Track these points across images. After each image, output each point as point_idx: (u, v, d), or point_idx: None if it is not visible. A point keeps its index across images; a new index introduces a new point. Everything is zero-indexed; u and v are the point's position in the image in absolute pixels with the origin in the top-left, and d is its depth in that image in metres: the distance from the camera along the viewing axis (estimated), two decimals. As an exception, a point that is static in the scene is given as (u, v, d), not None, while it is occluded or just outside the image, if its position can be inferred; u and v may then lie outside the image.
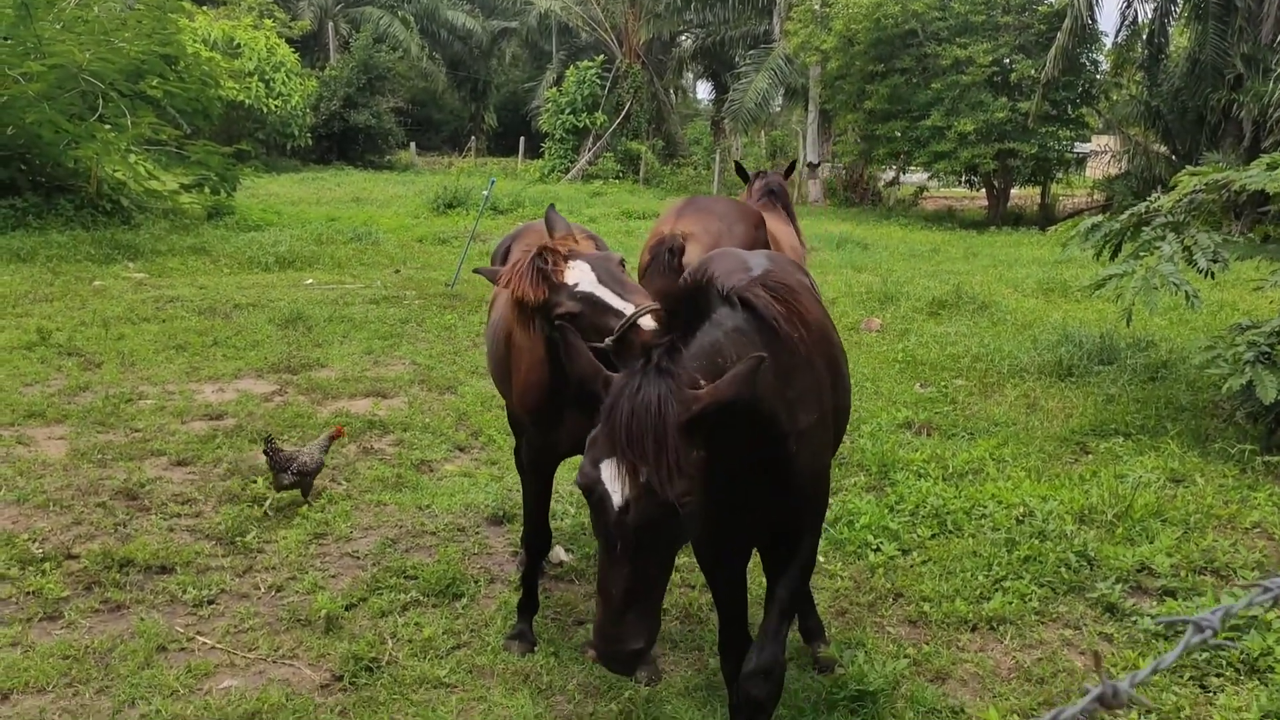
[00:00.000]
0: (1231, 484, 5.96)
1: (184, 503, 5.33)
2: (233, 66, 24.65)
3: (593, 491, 2.37)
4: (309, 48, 40.47)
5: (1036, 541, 4.94)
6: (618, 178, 33.85)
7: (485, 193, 15.56)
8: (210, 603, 4.30)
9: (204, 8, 28.39)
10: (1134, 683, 1.05)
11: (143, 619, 4.10)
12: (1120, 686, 1.03)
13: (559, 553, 4.86)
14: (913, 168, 29.94)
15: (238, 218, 17.78)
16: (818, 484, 3.06)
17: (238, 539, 4.88)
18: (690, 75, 48.65)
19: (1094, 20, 23.51)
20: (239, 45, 28.53)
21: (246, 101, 28.24)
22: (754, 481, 2.82)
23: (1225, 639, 3.93)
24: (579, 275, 3.05)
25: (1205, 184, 7.02)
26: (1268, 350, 6.49)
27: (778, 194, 7.10)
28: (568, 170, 34.18)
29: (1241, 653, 3.93)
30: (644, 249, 5.54)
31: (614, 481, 2.32)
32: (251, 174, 20.60)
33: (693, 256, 4.87)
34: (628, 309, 3.00)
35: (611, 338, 2.97)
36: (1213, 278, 7.32)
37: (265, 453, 5.24)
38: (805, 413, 2.85)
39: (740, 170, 7.60)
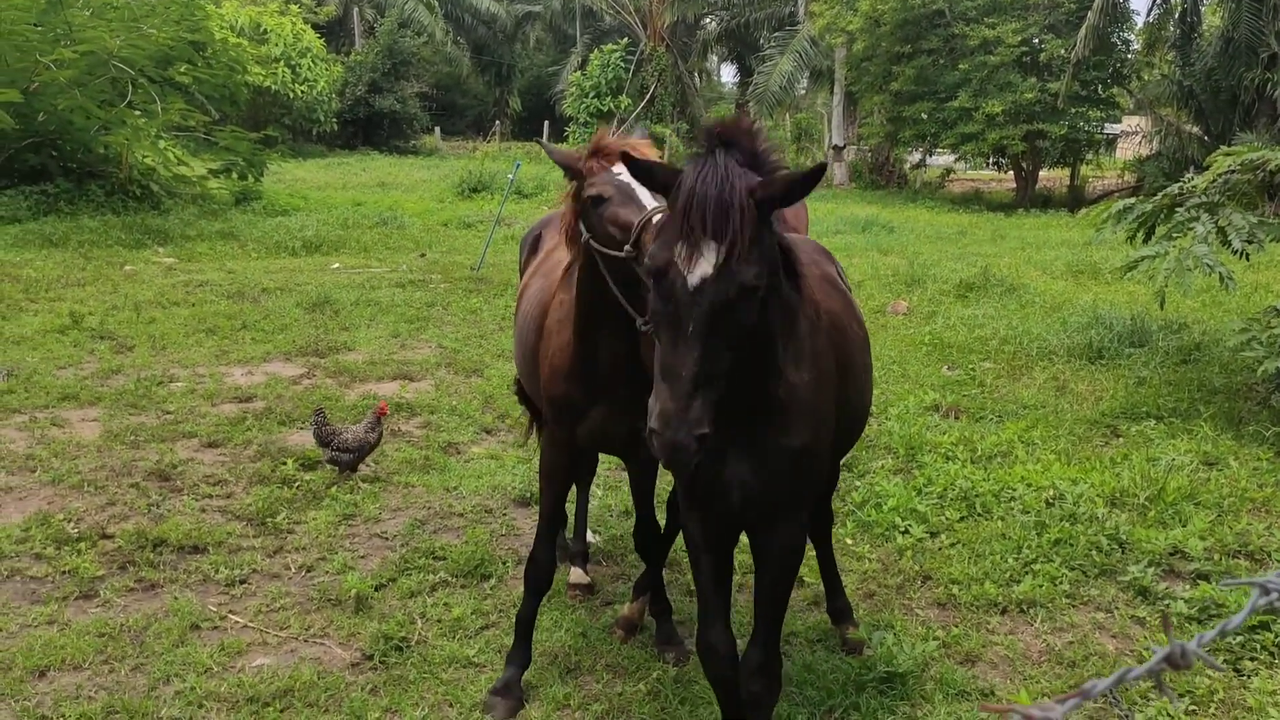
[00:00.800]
0: (1266, 467, 5.88)
1: (215, 484, 5.39)
2: (259, 52, 24.78)
3: (665, 273, 2.32)
4: (334, 33, 40.60)
5: (1067, 524, 4.90)
6: (641, 162, 33.72)
7: (510, 176, 15.58)
8: (242, 582, 4.34)
9: (230, -6, 28.52)
10: (1201, 643, 1.05)
11: (176, 598, 4.15)
12: (1188, 647, 1.03)
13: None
14: (939, 150, 29.64)
15: (265, 203, 17.92)
16: (808, 463, 2.88)
17: (268, 520, 4.93)
18: (715, 58, 48.41)
19: (1125, -1, 23.21)
20: (265, 31, 28.64)
21: (273, 87, 28.35)
22: (743, 439, 2.73)
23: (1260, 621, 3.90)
24: (622, 169, 3.04)
25: (1240, 164, 6.92)
26: (1304, 332, 6.40)
27: None
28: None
29: (1277, 636, 3.89)
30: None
31: (686, 261, 2.29)
32: (278, 159, 20.72)
33: None
34: (651, 205, 2.98)
35: (630, 241, 2.95)
36: (1248, 259, 7.22)
37: (313, 422, 5.42)
38: (798, 367, 2.75)
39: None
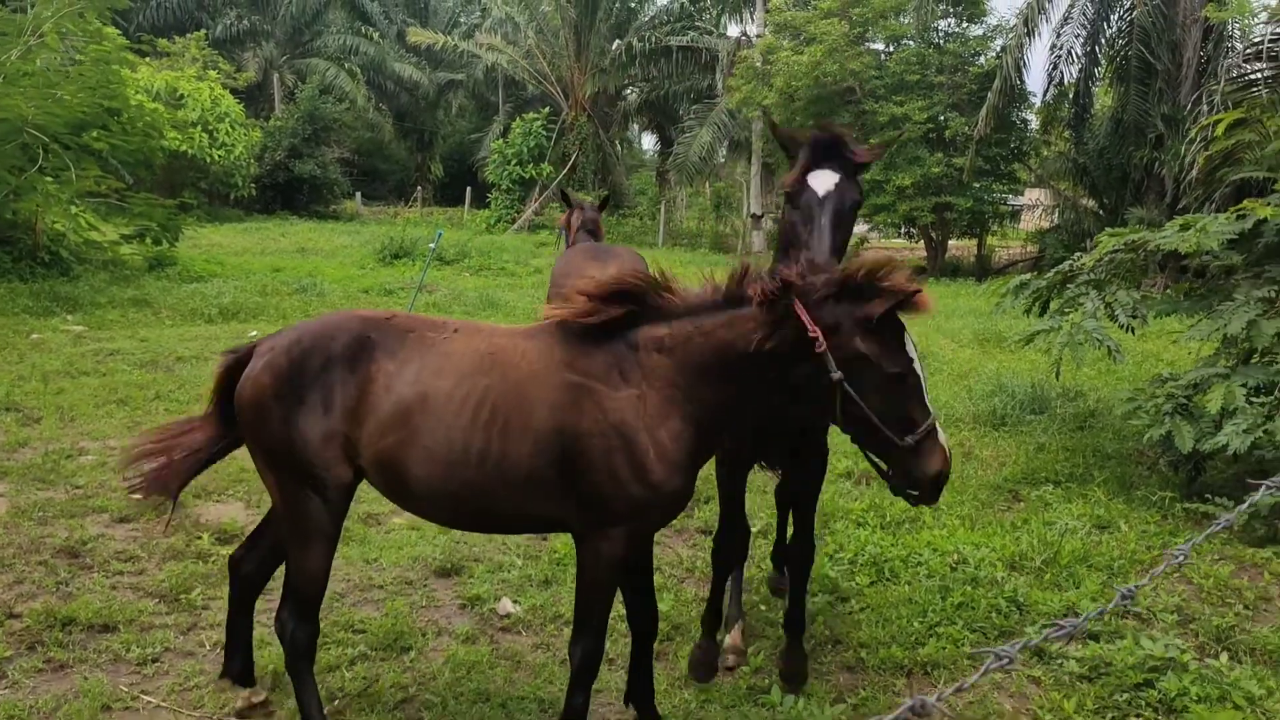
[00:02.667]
0: (1154, 530, 6.21)
1: (127, 560, 5.31)
2: (176, 117, 24.54)
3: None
4: (254, 98, 40.44)
5: (969, 588, 5.12)
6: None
7: (432, 245, 15.66)
8: (155, 661, 4.30)
9: (147, 59, 28.29)
10: (940, 698, 1.27)
11: (86, 678, 4.09)
12: (928, 700, 1.25)
13: (505, 604, 4.93)
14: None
15: (180, 269, 17.66)
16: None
17: (182, 596, 4.88)
18: (636, 127, 49.42)
19: (1022, 81, 24.42)
20: (182, 96, 28.41)
21: (189, 151, 28.05)
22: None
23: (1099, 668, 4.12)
24: None
25: (1123, 244, 7.37)
26: (1184, 402, 6.81)
27: (594, 233, 7.47)
28: (514, 220, 34.40)
29: (1160, 693, 4.12)
30: (559, 287, 6.03)
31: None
32: (194, 224, 20.49)
33: None
34: None
35: None
36: (1133, 332, 7.65)
37: None
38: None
39: (564, 196, 8.35)
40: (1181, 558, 2.03)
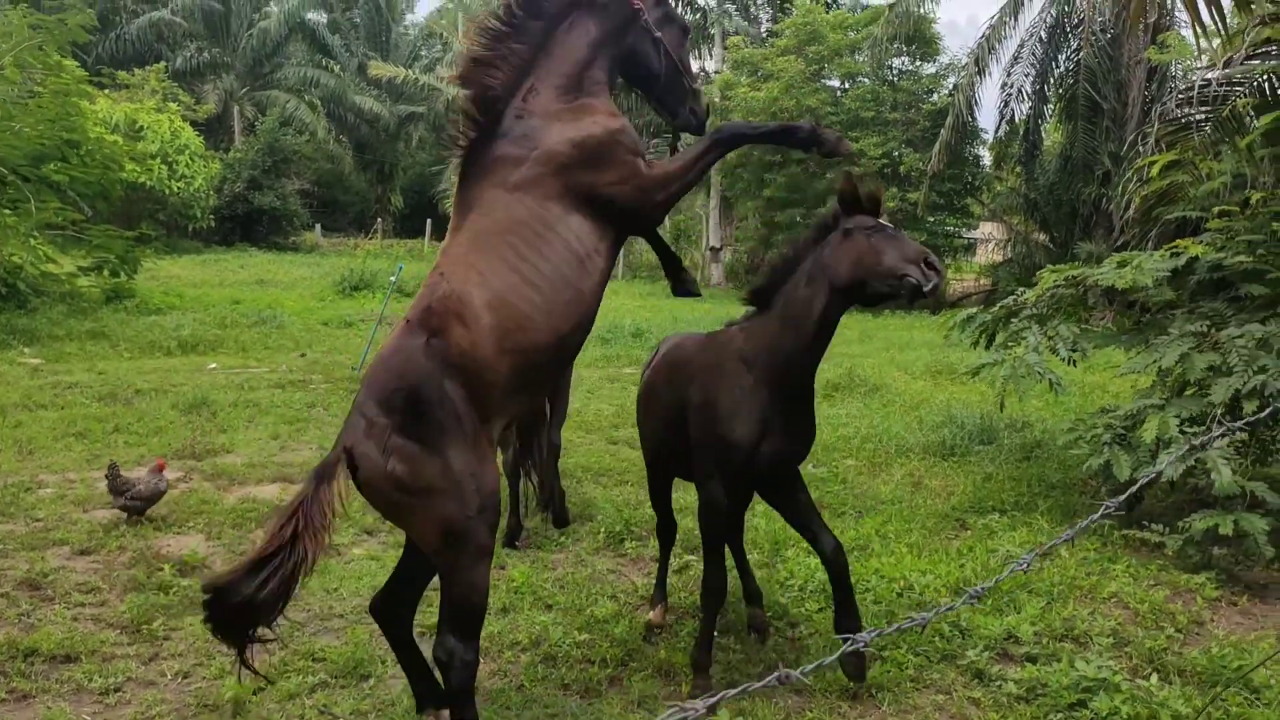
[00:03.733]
0: (1093, 557, 6.44)
1: (88, 592, 5.36)
2: (135, 149, 24.49)
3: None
4: (214, 130, 40.31)
5: (914, 613, 5.30)
6: (525, 261, 34.27)
7: (393, 277, 15.76)
8: (117, 690, 4.36)
9: (106, 92, 28.21)
10: (804, 673, 1.63)
11: (49, 708, 4.14)
12: (792, 673, 1.63)
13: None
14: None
15: (138, 301, 17.62)
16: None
17: (144, 626, 4.94)
18: (597, 160, 49.71)
19: (974, 118, 25.11)
20: (142, 128, 28.33)
21: (148, 183, 27.96)
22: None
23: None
24: None
25: (1064, 279, 7.67)
26: (1123, 432, 7.07)
27: None
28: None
29: (1092, 713, 4.31)
30: None
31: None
32: (153, 256, 20.43)
33: None
34: None
35: None
36: (1075, 365, 7.93)
37: (107, 475, 6.27)
38: None
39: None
40: (1025, 565, 2.24)
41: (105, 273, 17.68)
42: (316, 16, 47.15)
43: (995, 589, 5.60)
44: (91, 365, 12.38)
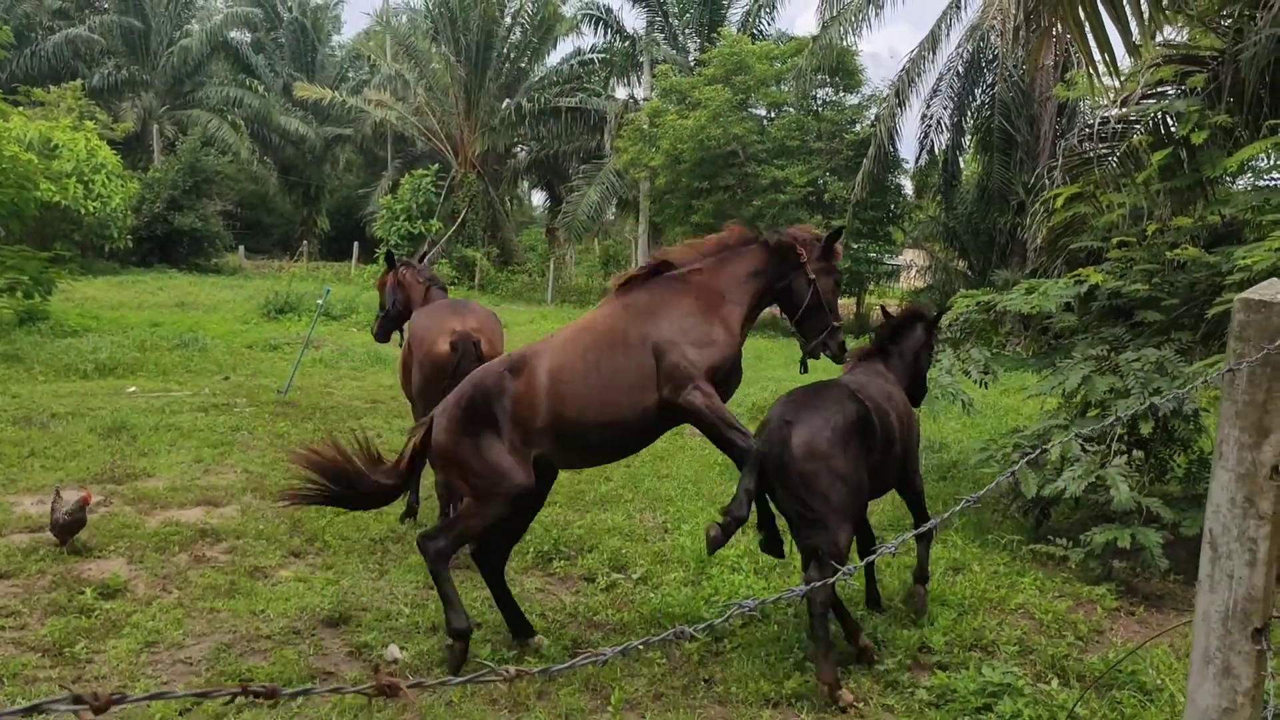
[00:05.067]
0: (1003, 571, 6.72)
1: (8, 615, 5.29)
2: (49, 168, 23.96)
3: None
4: (132, 149, 39.54)
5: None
6: (453, 284, 34.17)
7: (320, 301, 15.68)
8: (39, 713, 4.32)
9: (21, 109, 27.53)
10: (697, 629, 1.81)
11: (-31, 732, 4.10)
12: (686, 629, 1.73)
13: (393, 651, 5.09)
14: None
15: (53, 323, 17.20)
16: None
17: (66, 650, 4.90)
18: (526, 185, 50.01)
19: (895, 148, 25.84)
20: (57, 146, 27.67)
21: (63, 203, 27.26)
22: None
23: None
24: None
25: (976, 305, 8.01)
26: (1029, 451, 7.39)
27: (443, 287, 8.00)
28: (423, 257, 34.30)
29: (997, 716, 4.53)
30: (433, 340, 6.67)
31: None
32: (68, 278, 19.96)
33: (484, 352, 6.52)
34: None
35: None
36: (986, 388, 8.27)
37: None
38: None
39: (389, 257, 8.44)
40: (892, 549, 2.44)
41: (18, 294, 17.20)
42: (240, 36, 46.68)
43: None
44: (5, 389, 12.08)
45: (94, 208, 28.94)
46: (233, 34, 45.31)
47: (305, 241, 44.52)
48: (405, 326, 7.62)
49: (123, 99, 42.46)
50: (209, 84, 42.87)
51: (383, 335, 8.22)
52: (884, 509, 8.27)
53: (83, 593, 5.61)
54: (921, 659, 5.24)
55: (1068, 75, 21.48)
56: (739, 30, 32.51)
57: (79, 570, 6.05)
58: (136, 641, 5.06)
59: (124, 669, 4.79)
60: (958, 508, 2.86)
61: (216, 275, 35.35)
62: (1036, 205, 10.20)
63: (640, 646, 1.56)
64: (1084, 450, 6.86)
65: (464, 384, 5.15)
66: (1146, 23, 5.61)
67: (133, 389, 12.63)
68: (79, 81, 34.88)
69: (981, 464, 7.83)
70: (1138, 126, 8.08)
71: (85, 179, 28.68)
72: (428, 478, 7.76)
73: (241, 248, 41.50)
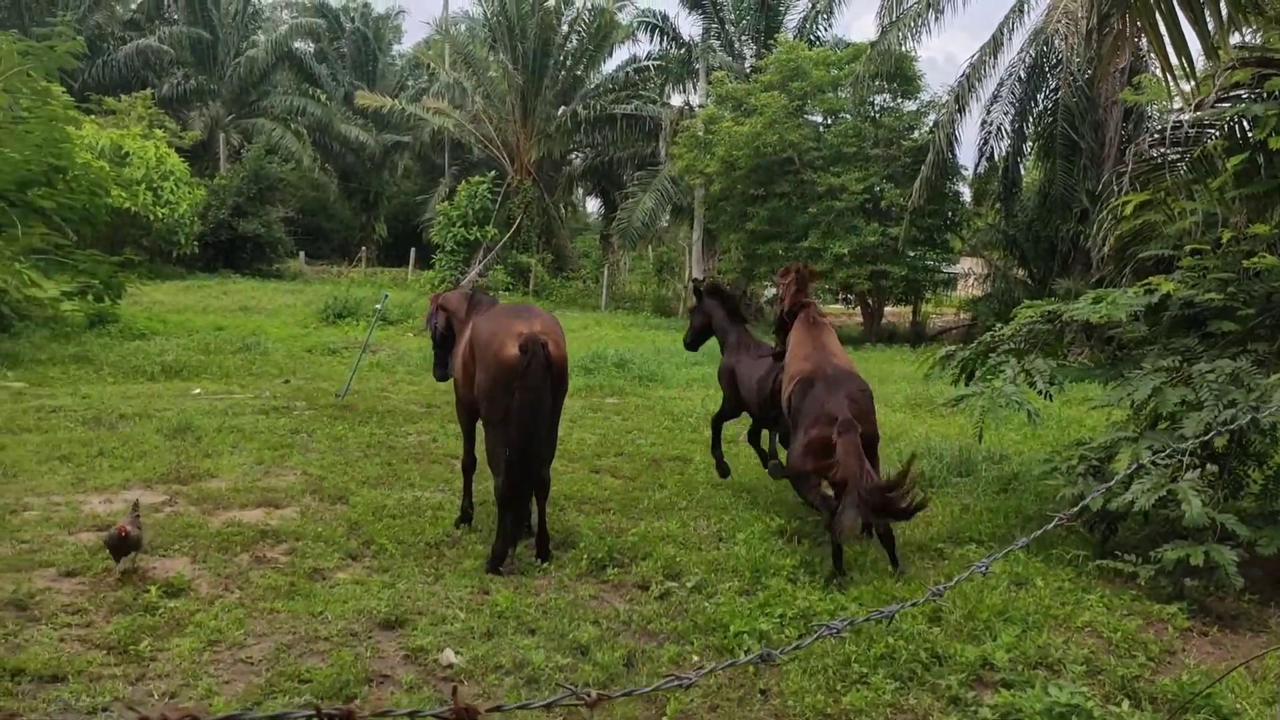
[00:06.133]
0: (1068, 586, 6.55)
1: (74, 613, 5.39)
2: (120, 175, 24.57)
3: None
4: (199, 157, 40.44)
5: (891, 639, 5.39)
6: (508, 289, 34.44)
7: (378, 306, 15.84)
8: (104, 710, 4.39)
9: (93, 117, 28.29)
10: (784, 651, 1.64)
11: (36, 727, 4.18)
12: (773, 653, 1.70)
13: (448, 655, 5.09)
14: (793, 286, 31.33)
15: (122, 326, 17.61)
16: None
17: (130, 648, 4.97)
18: (580, 191, 50.22)
19: (954, 155, 25.46)
20: (127, 154, 28.41)
21: (133, 209, 28.01)
22: None
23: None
24: None
25: (1040, 315, 7.84)
26: (1097, 464, 7.22)
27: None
28: (458, 282, 34.58)
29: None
30: (500, 343, 6.58)
31: None
32: (137, 282, 20.44)
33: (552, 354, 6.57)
34: None
35: None
36: (1051, 398, 8.08)
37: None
38: None
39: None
40: (984, 567, 2.36)
41: (89, 298, 17.69)
42: (304, 46, 47.53)
43: (973, 616, 5.73)
44: (75, 389, 12.37)
45: (163, 214, 29.66)
46: (297, 44, 46.18)
47: (364, 247, 45.13)
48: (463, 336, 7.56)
49: (191, 108, 43.44)
50: (273, 93, 43.73)
51: (441, 371, 8.15)
52: (941, 520, 8.14)
53: (147, 591, 5.69)
54: (985, 676, 5.11)
55: (1135, 79, 21.03)
56: (795, 36, 32.31)
57: (144, 569, 6.14)
58: (199, 640, 5.11)
59: (186, 668, 4.84)
60: (1050, 525, 2.78)
61: (278, 280, 35.99)
62: (1103, 212, 9.96)
63: (715, 668, 1.52)
64: (1154, 464, 6.67)
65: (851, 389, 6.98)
66: (1225, 24, 5.44)
67: (197, 391, 12.86)
68: (149, 91, 35.78)
69: (1045, 476, 7.65)
70: (1212, 131, 7.86)
71: (154, 186, 29.42)
72: (482, 481, 7.79)
73: (302, 253, 42.22)
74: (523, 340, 6.47)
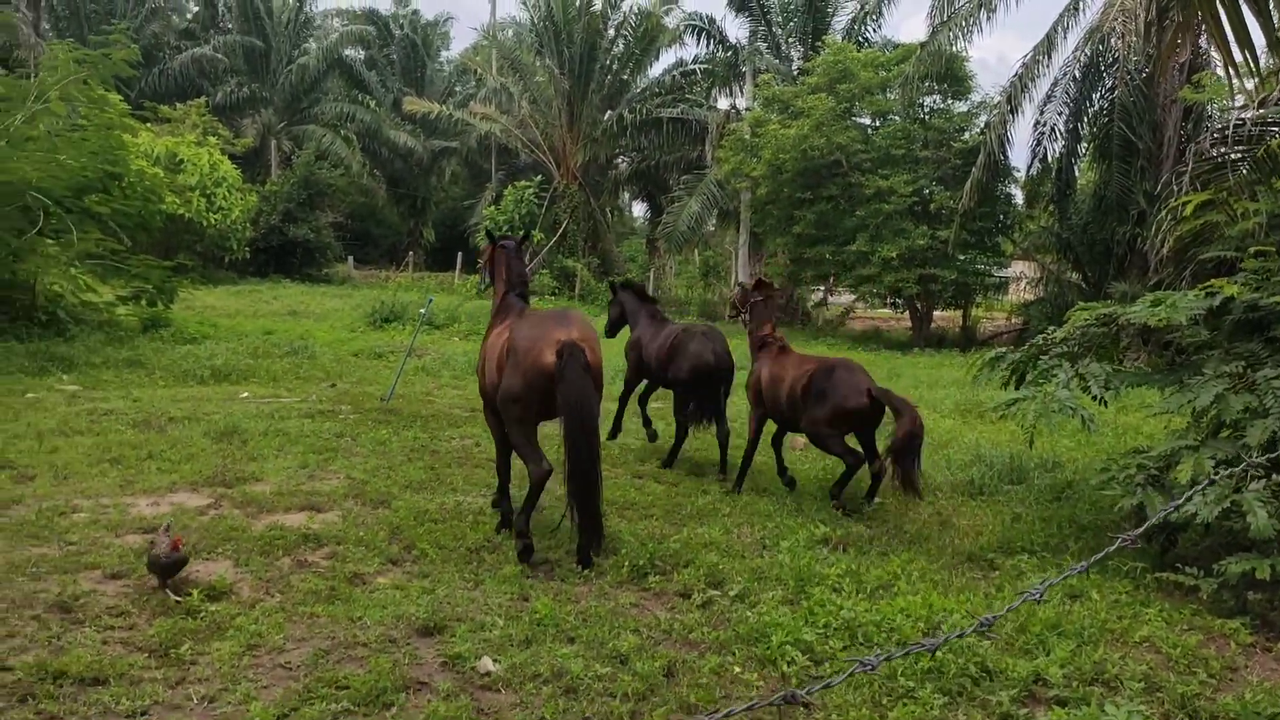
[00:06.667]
0: (1125, 600, 6.34)
1: (118, 615, 5.40)
2: (175, 182, 24.99)
3: None
4: (251, 163, 41.08)
5: (940, 653, 5.23)
6: (554, 294, 34.53)
7: (423, 310, 15.90)
8: (143, 714, 4.38)
9: (149, 125, 28.81)
10: (810, 691, 1.55)
11: (76, 730, 4.18)
12: (798, 693, 1.52)
13: (486, 663, 5.03)
14: (840, 289, 31.07)
15: (174, 330, 17.87)
16: None
17: (171, 651, 4.97)
18: (626, 196, 50.23)
19: (1006, 156, 25.05)
20: (182, 161, 28.90)
21: (187, 215, 28.49)
22: None
23: None
24: None
25: (1095, 318, 7.62)
26: (1156, 473, 6.99)
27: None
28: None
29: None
30: (539, 349, 6.66)
31: None
32: (189, 286, 20.77)
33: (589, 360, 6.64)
34: None
35: None
36: (1106, 404, 7.85)
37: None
38: None
39: (489, 235, 8.87)
40: (1039, 595, 2.24)
41: (143, 302, 17.97)
42: (354, 53, 48.12)
43: (1025, 629, 5.56)
44: (127, 392, 12.55)
45: (215, 220, 30.14)
46: (347, 51, 46.76)
47: (411, 252, 45.51)
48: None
49: (243, 115, 44.11)
50: (324, 100, 44.31)
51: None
52: (991, 529, 7.94)
53: (189, 594, 5.70)
54: (1037, 692, 4.94)
55: (1195, 77, 20.52)
56: (843, 38, 32.02)
57: (188, 571, 6.16)
58: (239, 644, 5.10)
59: (226, 671, 4.83)
60: (1112, 548, 2.64)
61: (327, 285, 36.38)
62: (1163, 213, 9.68)
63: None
64: (1217, 473, 6.43)
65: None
66: (1291, 16, 5.22)
67: (245, 394, 12.98)
68: (203, 99, 36.40)
69: (1103, 485, 7.42)
70: (1276, 129, 7.59)
71: (208, 192, 29.91)
72: (518, 482, 7.74)
73: (350, 258, 42.66)
74: (559, 346, 6.55)
